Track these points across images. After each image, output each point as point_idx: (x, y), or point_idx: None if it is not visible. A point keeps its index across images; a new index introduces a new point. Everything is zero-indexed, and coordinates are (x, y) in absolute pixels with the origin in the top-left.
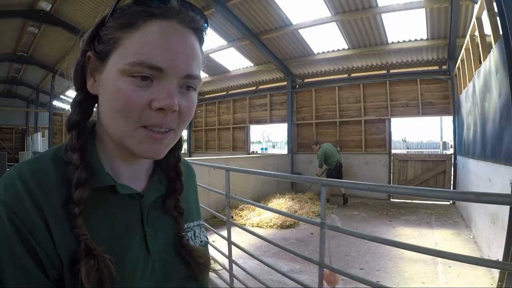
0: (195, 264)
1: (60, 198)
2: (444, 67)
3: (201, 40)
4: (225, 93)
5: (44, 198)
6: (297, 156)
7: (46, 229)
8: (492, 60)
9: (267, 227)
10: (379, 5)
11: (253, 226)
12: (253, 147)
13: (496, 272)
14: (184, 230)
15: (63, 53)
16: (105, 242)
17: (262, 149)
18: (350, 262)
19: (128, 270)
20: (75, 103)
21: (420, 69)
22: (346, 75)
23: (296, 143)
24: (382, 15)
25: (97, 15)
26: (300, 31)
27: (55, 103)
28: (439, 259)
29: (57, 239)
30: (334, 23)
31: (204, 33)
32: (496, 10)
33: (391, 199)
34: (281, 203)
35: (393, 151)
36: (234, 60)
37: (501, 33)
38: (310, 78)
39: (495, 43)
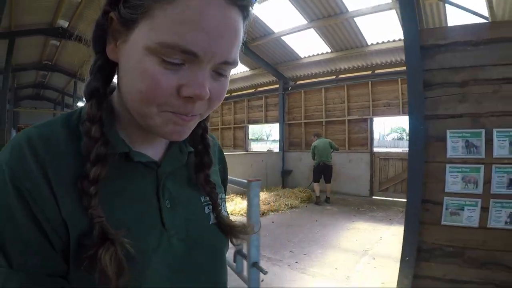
0: (234, 233)
1: (70, 164)
2: None
3: (245, 19)
4: (228, 95)
5: (50, 161)
6: (288, 154)
7: (51, 194)
8: None
9: (238, 215)
10: (349, 10)
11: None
12: (273, 146)
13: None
14: (204, 203)
15: (82, 62)
16: (116, 213)
17: None
18: (285, 246)
19: (139, 244)
20: (95, 68)
21: (404, 68)
22: (334, 77)
23: (287, 141)
24: (355, 19)
25: None
26: (283, 38)
27: (79, 105)
28: (370, 252)
29: (63, 207)
30: (312, 29)
31: (251, 9)
32: None
33: (373, 197)
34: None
35: (387, 150)
36: None
37: None
38: (302, 81)
39: None
